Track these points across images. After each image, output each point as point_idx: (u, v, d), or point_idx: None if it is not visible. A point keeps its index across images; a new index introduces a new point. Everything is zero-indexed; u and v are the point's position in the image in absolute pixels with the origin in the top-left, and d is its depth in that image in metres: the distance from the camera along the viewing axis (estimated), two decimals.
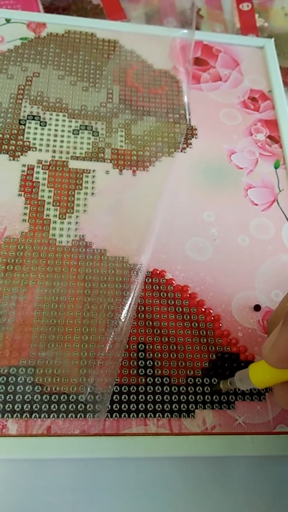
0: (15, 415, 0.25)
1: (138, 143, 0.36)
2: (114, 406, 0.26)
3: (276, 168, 0.36)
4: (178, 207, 0.33)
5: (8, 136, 0.34)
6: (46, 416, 0.25)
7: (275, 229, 0.33)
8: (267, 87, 0.40)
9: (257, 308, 0.30)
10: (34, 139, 0.34)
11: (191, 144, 0.36)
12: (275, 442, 0.27)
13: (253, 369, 0.23)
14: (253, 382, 0.23)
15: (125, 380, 0.27)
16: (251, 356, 0.29)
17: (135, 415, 0.26)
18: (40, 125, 0.35)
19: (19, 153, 0.33)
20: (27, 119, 0.35)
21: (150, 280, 0.30)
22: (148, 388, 0.27)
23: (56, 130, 0.35)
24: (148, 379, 0.27)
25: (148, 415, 0.26)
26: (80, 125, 0.35)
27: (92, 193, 0.33)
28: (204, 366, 0.28)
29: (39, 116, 0.35)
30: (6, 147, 0.33)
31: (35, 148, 0.34)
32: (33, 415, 0.25)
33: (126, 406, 0.26)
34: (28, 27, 0.39)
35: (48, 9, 0.45)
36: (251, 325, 0.30)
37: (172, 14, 0.46)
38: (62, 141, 0.34)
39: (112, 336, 0.28)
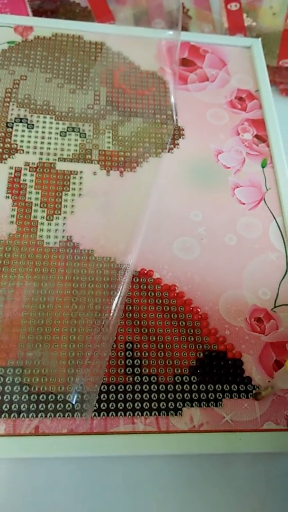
0: (3, 415, 0.25)
1: (125, 144, 0.36)
2: (101, 405, 0.26)
3: (263, 167, 0.36)
4: (165, 207, 0.33)
5: None
6: (34, 415, 0.26)
7: (262, 228, 0.34)
8: (254, 86, 0.40)
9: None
10: (22, 141, 0.34)
11: (178, 144, 0.36)
12: (263, 439, 0.27)
13: None
14: None
15: (112, 379, 0.27)
16: (238, 354, 0.29)
17: (122, 414, 0.26)
18: (28, 127, 0.35)
19: (7, 156, 0.34)
20: (15, 121, 0.35)
21: (137, 279, 0.30)
22: (135, 387, 0.27)
23: (43, 132, 0.35)
24: (135, 378, 0.27)
25: (136, 413, 0.26)
26: (68, 127, 0.36)
27: (80, 194, 0.33)
28: (192, 364, 0.28)
29: (27, 119, 0.35)
30: None
31: (23, 150, 0.34)
32: (21, 415, 0.25)
33: (114, 405, 0.26)
34: (15, 31, 0.40)
35: (37, 13, 0.45)
36: (238, 323, 0.30)
37: (160, 15, 0.47)
38: (49, 143, 0.35)
39: (99, 336, 0.28)
